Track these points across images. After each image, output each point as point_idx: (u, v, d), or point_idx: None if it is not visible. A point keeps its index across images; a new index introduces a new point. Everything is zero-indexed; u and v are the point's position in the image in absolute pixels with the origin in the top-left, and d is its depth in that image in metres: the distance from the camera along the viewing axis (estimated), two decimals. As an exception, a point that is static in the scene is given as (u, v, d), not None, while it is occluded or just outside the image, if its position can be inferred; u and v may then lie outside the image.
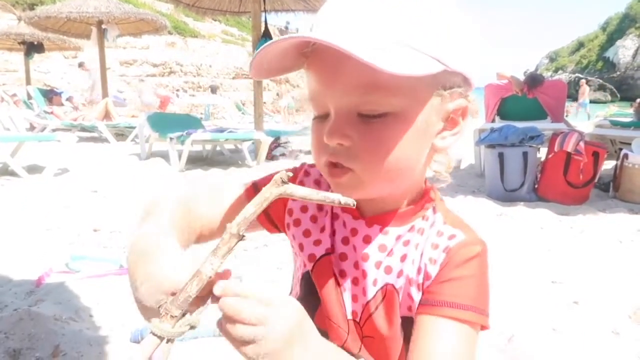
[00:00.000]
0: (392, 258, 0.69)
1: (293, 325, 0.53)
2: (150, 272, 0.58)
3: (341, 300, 0.72)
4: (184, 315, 0.53)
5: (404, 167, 0.63)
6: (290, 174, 0.53)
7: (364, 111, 0.59)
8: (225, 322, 0.52)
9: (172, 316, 0.52)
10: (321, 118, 0.63)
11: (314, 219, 0.76)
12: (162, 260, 0.59)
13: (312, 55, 0.61)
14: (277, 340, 0.51)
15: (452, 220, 0.71)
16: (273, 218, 0.79)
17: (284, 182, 0.53)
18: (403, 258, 0.69)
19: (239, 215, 0.53)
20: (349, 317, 0.72)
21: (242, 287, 0.53)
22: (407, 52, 0.55)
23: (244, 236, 0.53)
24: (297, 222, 0.76)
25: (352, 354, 0.72)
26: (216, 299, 0.53)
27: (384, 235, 0.70)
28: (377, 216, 0.70)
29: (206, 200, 0.79)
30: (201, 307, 0.54)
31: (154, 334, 0.52)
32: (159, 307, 0.53)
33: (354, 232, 0.71)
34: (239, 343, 0.51)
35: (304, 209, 0.76)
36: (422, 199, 0.71)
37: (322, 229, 0.75)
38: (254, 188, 0.77)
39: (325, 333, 0.73)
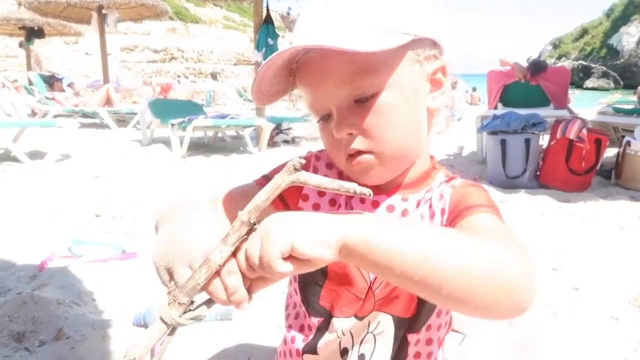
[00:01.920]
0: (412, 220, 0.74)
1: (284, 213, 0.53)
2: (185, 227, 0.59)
3: (366, 272, 0.75)
4: (191, 302, 0.53)
5: (408, 133, 0.69)
6: (303, 161, 0.53)
7: (357, 96, 0.65)
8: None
9: (180, 303, 0.52)
10: (324, 119, 0.70)
11: (332, 202, 0.79)
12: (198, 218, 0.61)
13: (298, 69, 0.67)
14: (276, 218, 0.51)
15: (452, 176, 0.78)
16: (289, 203, 0.80)
17: (296, 170, 0.52)
18: (422, 216, 0.74)
19: (251, 203, 0.52)
20: (369, 284, 0.76)
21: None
22: (377, 33, 0.61)
23: (255, 224, 0.52)
24: (305, 197, 0.79)
25: (364, 317, 0.77)
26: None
27: (405, 202, 0.75)
28: (396, 187, 0.75)
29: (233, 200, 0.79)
30: (210, 302, 0.54)
31: (162, 320, 0.52)
32: (167, 294, 0.53)
33: (376, 204, 0.75)
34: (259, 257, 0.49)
35: (322, 193, 0.79)
36: (430, 167, 0.78)
37: (335, 204, 0.78)
38: (265, 180, 0.80)
39: (328, 312, 0.78)
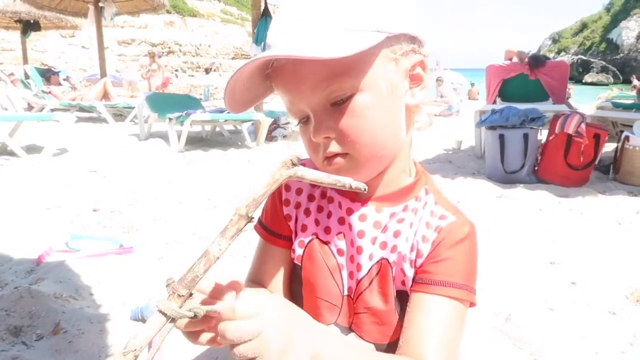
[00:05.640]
0: (386, 234, 0.73)
1: (286, 325, 0.55)
2: None
3: (339, 277, 0.76)
4: (190, 295, 0.53)
5: (386, 134, 0.67)
6: (301, 157, 0.54)
7: (334, 99, 0.63)
8: (231, 346, 0.54)
9: (179, 295, 0.52)
10: (303, 122, 0.69)
11: (306, 212, 0.79)
12: None
13: (274, 74, 0.65)
14: (275, 347, 0.53)
15: (443, 202, 0.76)
16: (289, 236, 0.81)
17: (294, 165, 0.52)
18: (396, 234, 0.73)
19: (248, 196, 0.53)
20: (345, 293, 0.76)
21: (233, 309, 0.54)
22: (347, 35, 0.59)
23: (252, 218, 0.53)
24: (289, 217, 0.81)
25: (343, 328, 0.77)
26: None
27: (378, 213, 0.74)
28: (371, 197, 0.74)
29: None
30: (210, 306, 0.54)
31: (160, 312, 0.52)
32: (166, 286, 0.53)
33: (350, 211, 0.75)
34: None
35: (297, 205, 0.80)
36: (414, 180, 0.76)
37: (307, 213, 0.78)
38: (260, 225, 0.84)
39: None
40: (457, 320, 0.68)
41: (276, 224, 0.81)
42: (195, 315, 0.54)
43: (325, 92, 0.63)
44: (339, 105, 0.63)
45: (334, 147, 0.65)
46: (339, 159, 0.66)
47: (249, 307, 0.54)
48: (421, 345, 0.65)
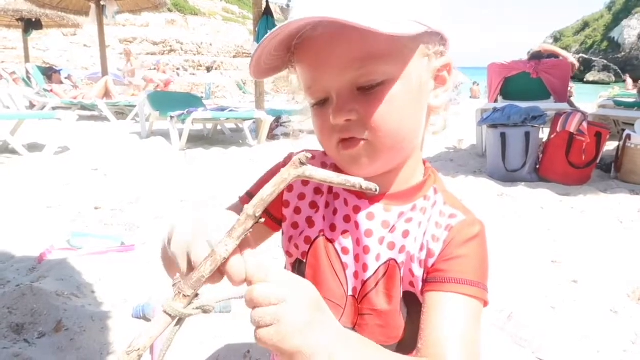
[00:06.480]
0: (394, 234, 0.71)
1: (311, 304, 0.52)
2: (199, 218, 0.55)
3: (343, 277, 0.74)
4: (196, 295, 0.53)
5: (408, 128, 0.66)
6: (309, 155, 0.51)
7: (362, 83, 0.61)
8: (252, 307, 0.50)
9: (184, 296, 0.52)
10: (320, 104, 0.66)
11: (313, 205, 0.77)
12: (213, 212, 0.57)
13: (299, 47, 0.62)
14: (297, 320, 0.50)
15: (452, 201, 0.74)
16: (274, 215, 0.80)
17: (302, 164, 0.52)
18: (405, 234, 0.71)
19: (256, 197, 0.52)
20: (350, 293, 0.74)
21: (267, 272, 0.52)
22: (391, 19, 0.58)
23: (260, 218, 0.52)
24: (286, 203, 0.78)
25: (348, 328, 0.74)
26: (237, 283, 0.52)
27: (386, 213, 0.72)
28: (380, 195, 0.72)
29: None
30: (218, 297, 0.54)
31: (166, 313, 0.51)
32: (172, 286, 0.53)
33: (357, 209, 0.73)
34: (261, 326, 0.49)
35: (302, 196, 0.78)
36: (423, 179, 0.75)
37: (315, 207, 0.76)
38: (248, 197, 0.80)
39: None
40: (475, 318, 0.66)
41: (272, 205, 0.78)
42: (205, 312, 0.53)
43: (355, 73, 0.60)
44: (367, 90, 0.61)
45: (354, 131, 0.63)
46: (357, 143, 0.64)
47: (281, 273, 0.52)
48: (442, 346, 0.62)
